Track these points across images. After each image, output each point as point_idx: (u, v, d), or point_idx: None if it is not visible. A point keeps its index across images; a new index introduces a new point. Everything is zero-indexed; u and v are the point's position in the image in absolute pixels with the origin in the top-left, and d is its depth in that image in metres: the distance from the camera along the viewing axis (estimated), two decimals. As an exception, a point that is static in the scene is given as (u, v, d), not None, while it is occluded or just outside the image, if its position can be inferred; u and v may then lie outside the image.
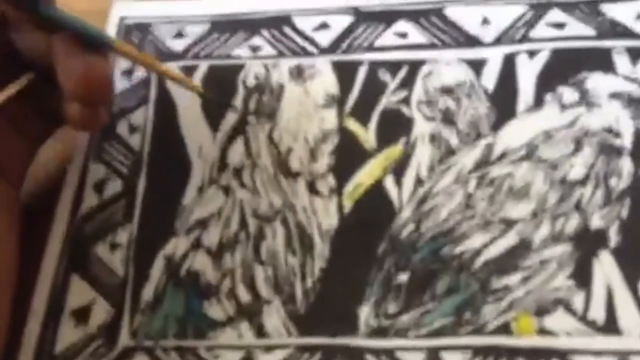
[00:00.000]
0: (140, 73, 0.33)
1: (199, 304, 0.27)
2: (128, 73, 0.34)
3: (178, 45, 0.34)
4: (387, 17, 0.34)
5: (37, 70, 0.28)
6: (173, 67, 0.33)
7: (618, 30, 0.32)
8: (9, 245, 0.27)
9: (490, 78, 0.31)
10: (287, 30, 0.34)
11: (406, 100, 0.31)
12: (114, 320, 0.27)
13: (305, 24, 0.34)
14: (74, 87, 0.26)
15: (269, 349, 0.26)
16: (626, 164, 0.28)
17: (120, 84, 0.33)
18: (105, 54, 0.27)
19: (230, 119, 0.32)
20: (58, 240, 0.29)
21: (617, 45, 0.31)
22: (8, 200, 0.27)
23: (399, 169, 0.29)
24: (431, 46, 0.33)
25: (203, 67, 0.34)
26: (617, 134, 0.29)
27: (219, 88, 0.33)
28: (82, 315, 0.27)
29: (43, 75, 0.28)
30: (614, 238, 0.27)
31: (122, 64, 0.34)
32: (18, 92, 0.28)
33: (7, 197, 0.27)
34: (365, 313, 0.26)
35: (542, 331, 0.25)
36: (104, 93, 0.27)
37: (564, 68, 0.31)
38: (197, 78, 0.33)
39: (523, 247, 0.27)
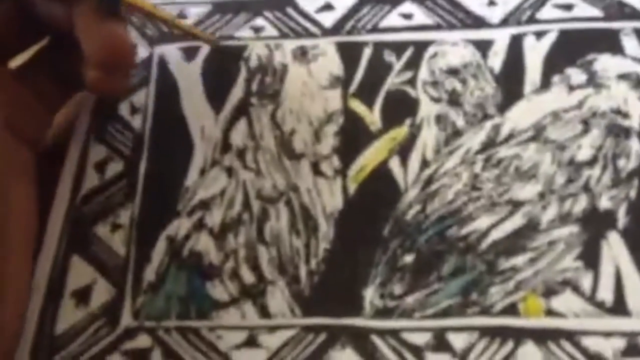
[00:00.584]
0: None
1: (201, 284, 0.27)
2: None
3: (180, 26, 0.34)
4: (392, -2, 0.33)
5: (54, 36, 0.29)
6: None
7: (626, 12, 0.31)
8: (29, 207, 0.27)
9: (497, 59, 0.31)
10: (290, 11, 0.34)
11: (412, 82, 0.31)
12: (116, 301, 0.26)
13: (308, 4, 0.34)
14: (97, 54, 0.26)
15: (272, 329, 0.25)
16: (635, 145, 0.28)
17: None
18: (124, 19, 0.28)
19: (233, 99, 0.32)
20: (59, 220, 0.29)
21: (625, 26, 0.31)
22: (27, 164, 0.28)
23: (404, 151, 0.29)
24: (437, 27, 0.32)
25: (205, 48, 0.33)
26: (626, 115, 0.29)
27: (222, 69, 0.32)
28: (83, 295, 0.27)
29: (60, 41, 0.28)
30: (622, 219, 0.26)
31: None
32: (35, 58, 0.29)
33: (26, 161, 0.28)
34: (370, 294, 0.26)
35: (550, 312, 0.25)
36: (127, 59, 0.28)
37: (572, 49, 0.31)
38: (200, 59, 0.33)
39: (530, 228, 0.27)
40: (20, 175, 0.27)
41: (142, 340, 0.25)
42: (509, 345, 0.24)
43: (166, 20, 0.31)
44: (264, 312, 0.26)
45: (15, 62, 0.29)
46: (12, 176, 0.27)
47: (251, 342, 0.25)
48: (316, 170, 0.29)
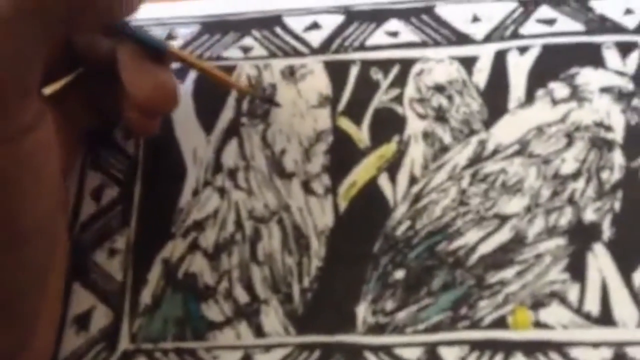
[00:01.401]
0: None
1: (197, 306, 0.27)
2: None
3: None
4: (378, 16, 0.34)
5: (90, 68, 0.29)
6: (222, 69, 0.33)
7: (607, 26, 0.32)
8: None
9: (481, 75, 0.31)
10: (278, 30, 0.35)
11: (399, 99, 0.31)
12: (114, 325, 0.27)
13: (296, 23, 0.35)
14: (143, 100, 0.27)
15: (267, 348, 0.26)
16: (617, 158, 0.28)
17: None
18: (168, 65, 0.29)
19: (224, 120, 0.32)
20: (55, 246, 0.29)
21: (607, 40, 0.31)
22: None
23: (393, 167, 0.30)
24: (422, 44, 0.33)
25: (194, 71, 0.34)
26: (609, 128, 0.29)
27: (211, 90, 0.33)
28: (83, 321, 0.27)
29: (95, 73, 0.29)
30: (607, 231, 0.27)
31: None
32: (68, 86, 0.29)
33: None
34: (362, 311, 0.26)
35: (538, 324, 0.25)
36: (171, 107, 0.29)
37: (555, 64, 0.31)
38: (190, 80, 0.33)
39: (517, 241, 0.27)
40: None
41: (140, 363, 0.26)
42: (499, 357, 0.25)
43: (204, 70, 0.31)
44: (259, 332, 0.26)
45: (48, 89, 0.29)
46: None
47: (247, 361, 0.26)
48: (307, 188, 0.30)
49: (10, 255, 0.23)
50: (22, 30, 0.22)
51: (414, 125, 0.31)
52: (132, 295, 0.28)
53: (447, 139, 0.30)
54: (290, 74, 0.33)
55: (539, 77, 0.31)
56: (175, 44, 0.34)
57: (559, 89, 0.31)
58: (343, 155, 0.30)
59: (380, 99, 0.32)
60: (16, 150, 0.22)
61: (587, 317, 0.25)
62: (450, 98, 0.31)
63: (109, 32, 0.28)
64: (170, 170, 0.31)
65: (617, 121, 0.29)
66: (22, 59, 0.22)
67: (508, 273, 0.27)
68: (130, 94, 0.27)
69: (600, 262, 0.26)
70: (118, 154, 0.31)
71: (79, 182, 0.31)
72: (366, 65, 0.33)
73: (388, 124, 0.31)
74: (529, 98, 0.30)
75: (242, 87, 0.32)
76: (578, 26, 0.32)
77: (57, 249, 0.26)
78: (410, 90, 0.31)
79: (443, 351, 0.25)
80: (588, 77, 0.31)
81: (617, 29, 0.32)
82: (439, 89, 0.31)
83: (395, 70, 0.32)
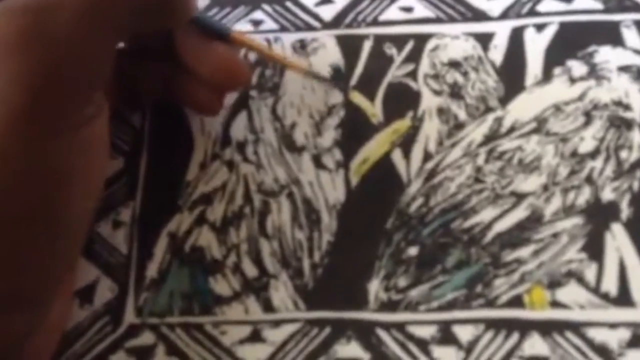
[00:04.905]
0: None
1: (204, 279, 0.27)
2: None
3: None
4: (392, -9, 0.33)
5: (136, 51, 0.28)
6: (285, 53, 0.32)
7: (626, 4, 0.31)
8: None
9: (498, 52, 0.31)
10: (289, 4, 0.34)
11: (413, 74, 0.31)
12: (119, 298, 0.26)
13: (308, -2, 0.34)
14: (211, 76, 0.27)
15: (277, 323, 0.25)
16: (636, 137, 0.28)
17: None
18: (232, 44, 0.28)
19: (233, 93, 0.31)
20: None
21: (625, 18, 0.31)
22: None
23: (406, 143, 0.29)
24: (437, 20, 0.32)
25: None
26: (627, 107, 0.29)
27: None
28: (87, 294, 0.26)
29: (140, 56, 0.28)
30: (625, 210, 0.26)
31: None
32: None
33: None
34: (374, 287, 0.26)
35: (555, 304, 0.25)
36: (241, 82, 0.28)
37: (572, 42, 0.30)
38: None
39: (534, 220, 0.27)
40: None
41: (146, 337, 0.25)
42: (515, 337, 0.24)
43: (262, 51, 0.31)
44: (268, 307, 0.26)
45: None
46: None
47: (255, 336, 0.25)
48: (318, 163, 0.29)
49: (47, 244, 0.22)
50: (97, 23, 0.22)
51: (429, 101, 0.30)
52: (138, 269, 0.27)
53: (462, 115, 0.29)
54: (301, 47, 0.32)
55: (556, 55, 0.30)
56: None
57: (577, 67, 0.30)
58: (355, 129, 0.30)
59: (394, 74, 0.31)
60: (76, 140, 0.22)
61: (605, 297, 0.25)
62: (465, 74, 0.30)
63: None
64: (177, 143, 0.30)
65: (636, 100, 0.29)
66: (96, 52, 0.22)
67: (524, 252, 0.26)
68: (196, 71, 0.27)
69: (618, 241, 0.26)
70: (123, 125, 0.31)
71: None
72: (379, 40, 0.32)
73: (402, 100, 0.30)
74: (546, 76, 0.30)
75: (298, 66, 0.31)
76: (596, 4, 0.31)
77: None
78: (424, 66, 0.31)
79: (457, 329, 0.25)
80: (606, 55, 0.30)
81: (636, 7, 0.31)
82: (454, 65, 0.31)
83: (409, 46, 0.31)
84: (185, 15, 0.25)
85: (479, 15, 0.32)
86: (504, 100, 0.29)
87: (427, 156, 0.29)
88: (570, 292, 0.25)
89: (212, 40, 0.27)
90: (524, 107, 0.29)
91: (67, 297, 0.26)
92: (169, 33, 0.27)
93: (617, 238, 0.26)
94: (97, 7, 0.21)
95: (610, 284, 0.25)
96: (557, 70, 0.30)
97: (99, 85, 0.23)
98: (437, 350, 0.24)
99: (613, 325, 0.24)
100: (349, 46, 0.32)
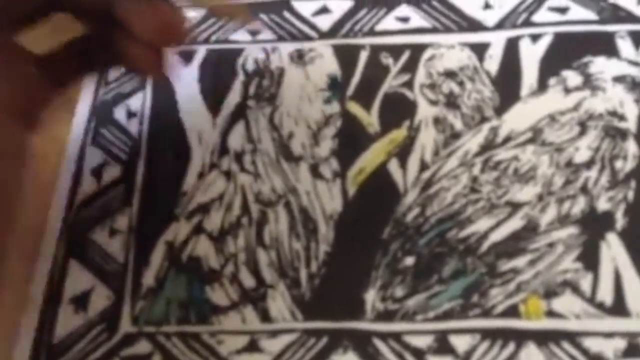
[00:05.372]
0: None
1: (201, 289, 0.27)
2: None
3: (176, 29, 0.34)
4: (388, 2, 0.33)
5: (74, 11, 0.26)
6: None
7: (620, 15, 0.32)
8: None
9: (493, 62, 0.31)
10: (287, 14, 0.34)
11: (409, 84, 0.31)
12: (115, 306, 0.26)
13: (305, 8, 0.34)
14: (147, 31, 0.25)
15: (274, 333, 0.25)
16: (631, 147, 0.28)
17: (116, 69, 0.33)
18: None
19: (231, 103, 0.31)
20: (55, 225, 0.28)
21: (620, 29, 0.31)
22: (22, 146, 0.26)
23: (403, 153, 0.29)
24: (433, 30, 0.32)
25: (201, 51, 0.33)
26: (622, 117, 0.29)
27: (218, 72, 0.32)
28: (81, 301, 0.26)
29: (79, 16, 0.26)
30: (620, 220, 0.26)
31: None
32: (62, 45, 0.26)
33: (22, 143, 0.25)
34: (371, 297, 0.26)
35: (551, 313, 0.25)
36: (177, 36, 0.26)
37: (567, 52, 0.31)
38: (196, 62, 0.33)
39: (529, 230, 0.27)
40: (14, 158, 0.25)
41: (142, 346, 0.25)
42: (511, 347, 0.24)
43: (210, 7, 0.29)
44: (265, 317, 0.26)
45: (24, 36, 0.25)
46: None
47: (252, 346, 0.25)
48: (315, 172, 0.29)
49: None
50: None
51: (425, 111, 0.30)
52: (134, 277, 0.27)
53: (458, 125, 0.30)
54: (298, 57, 0.32)
55: (551, 65, 0.30)
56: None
57: (572, 77, 0.30)
58: (352, 139, 0.30)
59: (390, 83, 0.31)
60: None
61: (601, 307, 0.25)
62: (461, 84, 0.31)
63: None
64: (174, 152, 0.30)
65: (631, 110, 0.29)
66: None
67: (520, 261, 0.26)
68: (132, 27, 0.25)
69: (613, 251, 0.26)
70: (120, 133, 0.31)
71: (79, 159, 0.30)
72: (376, 50, 0.32)
73: (398, 109, 0.30)
74: (542, 86, 0.30)
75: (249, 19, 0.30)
76: (591, 15, 0.32)
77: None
78: (420, 76, 0.31)
79: (454, 339, 0.25)
80: (601, 66, 0.30)
81: (631, 18, 0.31)
82: (450, 75, 0.31)
83: (405, 56, 0.32)
84: None
85: (475, 26, 0.32)
86: (500, 110, 0.30)
87: (423, 166, 0.29)
88: (566, 302, 0.25)
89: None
90: (519, 117, 0.29)
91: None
92: None
93: (612, 248, 0.26)
94: None
95: (605, 294, 0.25)
96: (552, 81, 0.30)
97: None
98: (434, 360, 0.24)
99: (609, 335, 0.24)
100: (346, 56, 0.32)
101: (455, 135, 0.29)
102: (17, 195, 0.26)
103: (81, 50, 0.26)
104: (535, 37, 0.31)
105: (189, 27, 0.27)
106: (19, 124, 0.26)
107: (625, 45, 0.31)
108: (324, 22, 0.33)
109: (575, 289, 0.25)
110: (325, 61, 0.32)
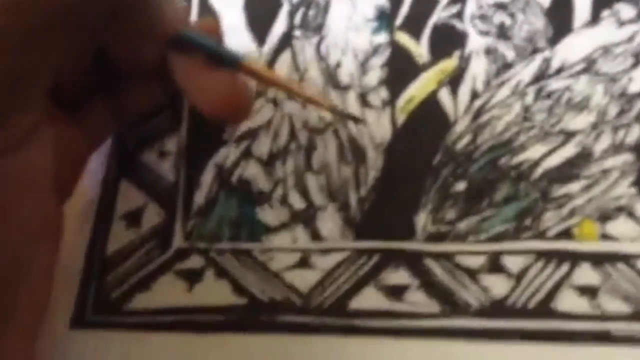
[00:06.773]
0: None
1: (251, 209, 0.27)
2: None
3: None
4: None
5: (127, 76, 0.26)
6: (308, 86, 0.29)
7: (676, -51, 0.31)
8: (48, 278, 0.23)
9: (545, -6, 0.31)
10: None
11: (459, 15, 0.30)
12: (167, 223, 0.26)
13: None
14: (210, 113, 0.25)
15: (325, 252, 0.25)
16: (687, 78, 0.28)
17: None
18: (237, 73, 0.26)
19: (276, 32, 0.31)
20: (105, 146, 0.28)
21: (675, -37, 0.30)
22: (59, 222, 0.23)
23: (453, 82, 0.29)
24: (483, -37, 0.32)
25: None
26: (677, 49, 0.28)
27: (263, 1, 0.32)
28: (133, 218, 0.27)
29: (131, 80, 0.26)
30: (676, 148, 0.26)
31: None
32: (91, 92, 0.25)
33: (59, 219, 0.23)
34: (422, 219, 0.26)
35: (605, 236, 0.25)
36: (242, 119, 0.26)
37: (621, -15, 0.30)
38: (242, -7, 0.32)
39: (583, 157, 0.26)
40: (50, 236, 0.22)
41: (195, 261, 0.25)
42: (565, 267, 0.24)
43: (277, 84, 0.28)
44: (316, 236, 0.26)
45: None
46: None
47: (304, 263, 0.25)
48: (363, 101, 0.29)
49: None
50: (23, 42, 0.18)
51: (476, 42, 0.30)
52: (185, 196, 0.27)
53: (510, 55, 0.29)
54: (346, -12, 0.32)
55: (604, -2, 0.30)
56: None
57: (626, 9, 0.30)
58: (401, 69, 0.29)
59: (440, 15, 0.31)
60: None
61: (655, 231, 0.25)
62: (512, 16, 0.30)
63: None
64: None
65: (687, 43, 0.28)
66: (20, 70, 0.19)
67: (574, 187, 0.26)
68: (195, 102, 0.25)
69: (668, 178, 0.26)
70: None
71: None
72: (425, -19, 0.32)
73: (448, 40, 0.30)
74: (595, 18, 0.30)
75: (329, 105, 0.28)
76: (646, -51, 0.31)
77: (26, 290, 0.21)
78: (471, 7, 0.31)
79: (507, 260, 0.25)
80: (656, -1, 0.30)
81: (688, -48, 0.31)
82: (501, 6, 0.30)
83: (455, -13, 0.31)
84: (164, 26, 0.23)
85: (526, -41, 0.32)
86: (552, 41, 0.29)
87: (474, 95, 0.28)
88: (620, 226, 0.25)
89: (218, 68, 0.25)
90: (572, 49, 0.29)
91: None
92: (164, 54, 0.24)
93: (667, 174, 0.26)
94: (28, 23, 0.18)
95: (660, 219, 0.25)
96: (605, 13, 0.30)
97: (29, 106, 0.19)
98: (486, 279, 0.24)
99: (664, 259, 0.24)
100: (394, -13, 0.32)
101: (507, 66, 0.29)
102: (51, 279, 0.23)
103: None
104: (588, -29, 0.31)
105: (250, 103, 0.26)
106: (57, 198, 0.23)
107: (681, -21, 0.30)
108: (371, -45, 0.33)
109: (630, 214, 0.25)
110: (373, -8, 0.32)
